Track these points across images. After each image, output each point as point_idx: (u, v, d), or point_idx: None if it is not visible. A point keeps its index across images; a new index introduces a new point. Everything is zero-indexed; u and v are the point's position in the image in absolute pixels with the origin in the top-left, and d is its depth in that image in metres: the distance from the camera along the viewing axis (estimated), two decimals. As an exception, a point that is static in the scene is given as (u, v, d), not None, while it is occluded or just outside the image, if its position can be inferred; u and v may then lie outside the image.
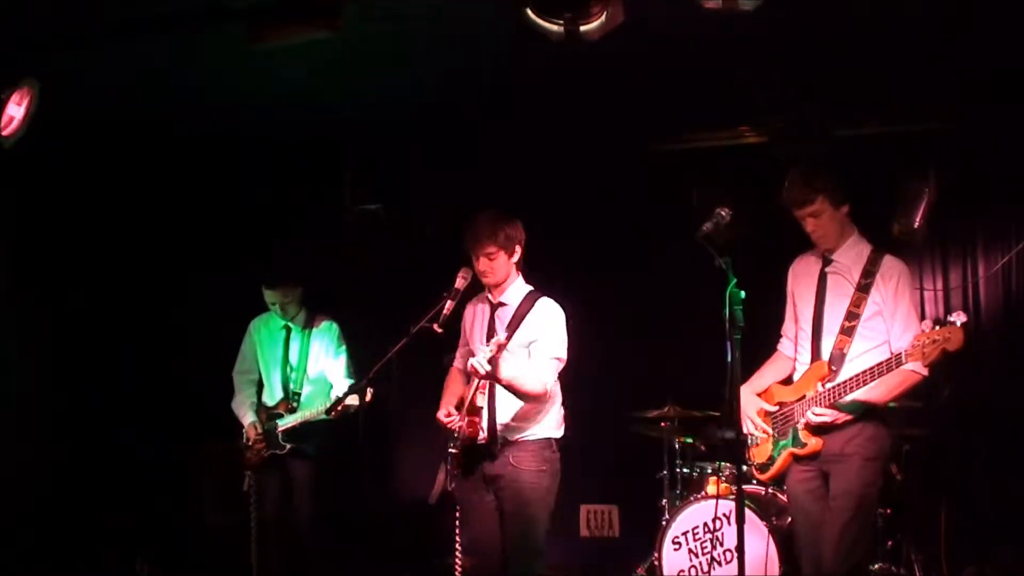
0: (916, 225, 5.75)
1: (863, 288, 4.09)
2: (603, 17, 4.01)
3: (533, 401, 4.32)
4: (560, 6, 4.02)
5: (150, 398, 6.69)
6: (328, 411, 5.23)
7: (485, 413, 4.32)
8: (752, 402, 4.31)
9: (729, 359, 3.67)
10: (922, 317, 6.48)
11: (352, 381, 5.45)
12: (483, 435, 4.31)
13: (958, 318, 3.75)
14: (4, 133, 4.69)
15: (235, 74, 5.38)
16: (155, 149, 6.39)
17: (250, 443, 5.59)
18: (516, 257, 4.41)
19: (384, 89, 5.73)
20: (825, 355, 4.15)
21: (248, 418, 5.65)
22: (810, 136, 5.95)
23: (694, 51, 5.06)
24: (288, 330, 5.70)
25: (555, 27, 4.06)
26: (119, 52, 4.99)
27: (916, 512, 5.64)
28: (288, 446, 5.51)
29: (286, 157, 6.62)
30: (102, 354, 6.63)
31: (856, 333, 4.07)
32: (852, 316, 4.09)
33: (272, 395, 5.71)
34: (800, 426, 4.14)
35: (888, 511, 5.60)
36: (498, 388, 4.31)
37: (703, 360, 4.33)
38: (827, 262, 4.23)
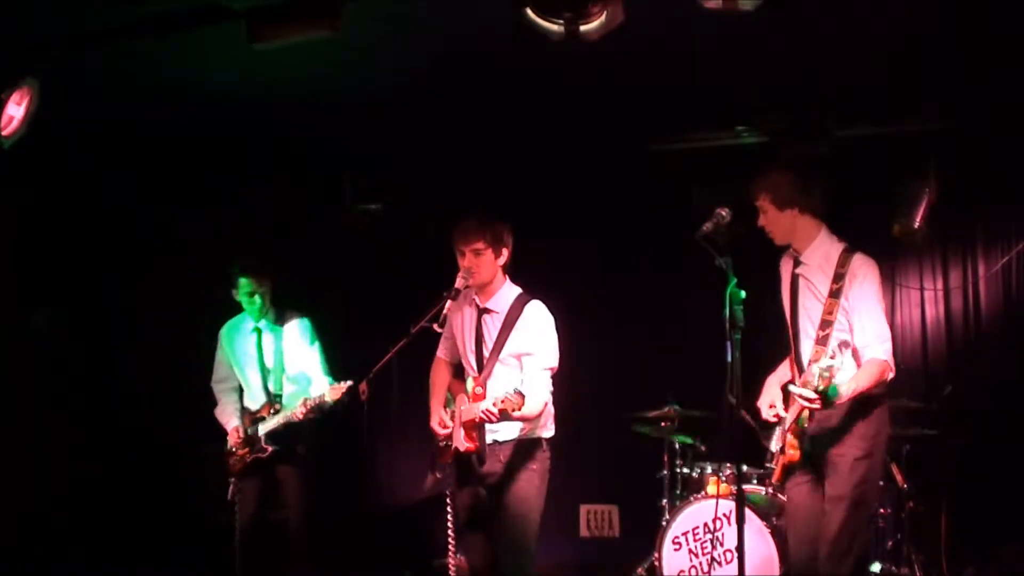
0: (916, 225, 5.74)
1: (835, 294, 4.08)
2: (603, 17, 4.00)
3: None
4: (560, 6, 4.01)
5: (152, 398, 6.69)
6: (303, 414, 5.18)
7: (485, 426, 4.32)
8: (772, 393, 4.32)
9: (729, 359, 3.67)
10: (923, 317, 6.60)
11: (329, 377, 5.35)
12: (480, 444, 4.31)
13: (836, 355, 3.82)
14: (4, 133, 4.68)
15: (235, 74, 5.38)
16: (154, 149, 6.40)
17: (233, 449, 5.45)
18: (503, 259, 4.38)
19: (384, 89, 5.73)
20: (805, 364, 4.14)
21: (232, 423, 5.52)
22: (810, 137, 5.96)
23: (694, 51, 5.07)
24: (259, 332, 5.55)
25: (555, 27, 4.05)
26: (119, 52, 4.99)
27: (916, 512, 5.64)
28: (271, 449, 5.35)
29: (286, 157, 6.62)
30: (104, 355, 6.64)
31: (831, 340, 4.05)
32: (826, 324, 4.08)
33: (254, 399, 5.57)
34: (787, 436, 4.15)
35: (888, 511, 5.61)
36: None
37: (703, 360, 4.33)
38: (797, 263, 4.25)
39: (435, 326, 4.20)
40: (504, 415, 4.10)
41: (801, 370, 4.18)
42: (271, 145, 6.47)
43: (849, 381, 3.95)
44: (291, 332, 5.54)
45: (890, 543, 5.62)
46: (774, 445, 4.31)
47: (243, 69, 5.27)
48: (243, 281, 5.42)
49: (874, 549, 5.58)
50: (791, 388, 3.98)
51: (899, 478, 5.65)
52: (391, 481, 6.93)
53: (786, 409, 4.24)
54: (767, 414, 4.29)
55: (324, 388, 5.21)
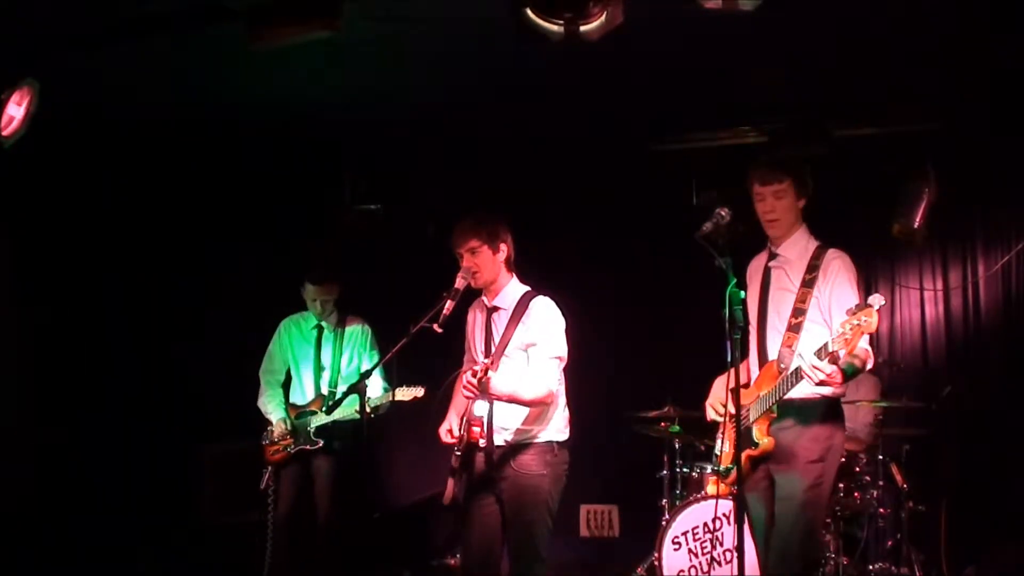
0: (916, 225, 5.74)
1: (808, 283, 4.04)
2: (603, 17, 4.01)
3: (538, 406, 4.31)
4: (560, 6, 4.02)
5: (154, 398, 6.68)
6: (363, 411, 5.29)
7: (485, 420, 4.30)
8: (720, 395, 4.27)
9: (729, 359, 3.66)
10: (922, 317, 6.60)
11: (385, 383, 5.49)
12: (484, 441, 4.29)
13: (876, 301, 3.62)
14: (4, 133, 4.68)
15: (235, 74, 5.38)
16: (154, 149, 6.39)
17: (277, 439, 5.59)
18: (503, 255, 4.38)
19: (384, 89, 5.73)
20: (772, 353, 4.09)
21: (277, 414, 5.65)
22: (810, 137, 5.96)
23: (694, 51, 5.07)
24: (320, 330, 5.74)
25: (555, 27, 4.05)
26: (119, 52, 4.99)
27: (916, 512, 5.63)
28: (320, 442, 5.54)
29: (286, 157, 6.62)
30: (106, 354, 6.63)
31: (803, 328, 4.01)
32: (799, 312, 4.03)
33: (303, 394, 5.72)
34: (753, 426, 4.08)
35: (888, 511, 5.61)
36: None
37: (703, 360, 4.33)
38: (772, 256, 4.21)
39: (435, 326, 4.19)
40: (482, 385, 4.12)
41: (763, 362, 4.12)
42: (271, 145, 6.47)
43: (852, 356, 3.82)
44: (352, 338, 5.74)
45: (890, 543, 5.63)
46: (722, 445, 4.27)
47: (243, 69, 5.27)
48: (311, 288, 5.68)
49: (874, 549, 5.59)
50: (804, 359, 3.76)
51: (899, 478, 5.65)
52: (391, 482, 6.93)
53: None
54: (718, 414, 4.25)
55: (379, 391, 5.43)
